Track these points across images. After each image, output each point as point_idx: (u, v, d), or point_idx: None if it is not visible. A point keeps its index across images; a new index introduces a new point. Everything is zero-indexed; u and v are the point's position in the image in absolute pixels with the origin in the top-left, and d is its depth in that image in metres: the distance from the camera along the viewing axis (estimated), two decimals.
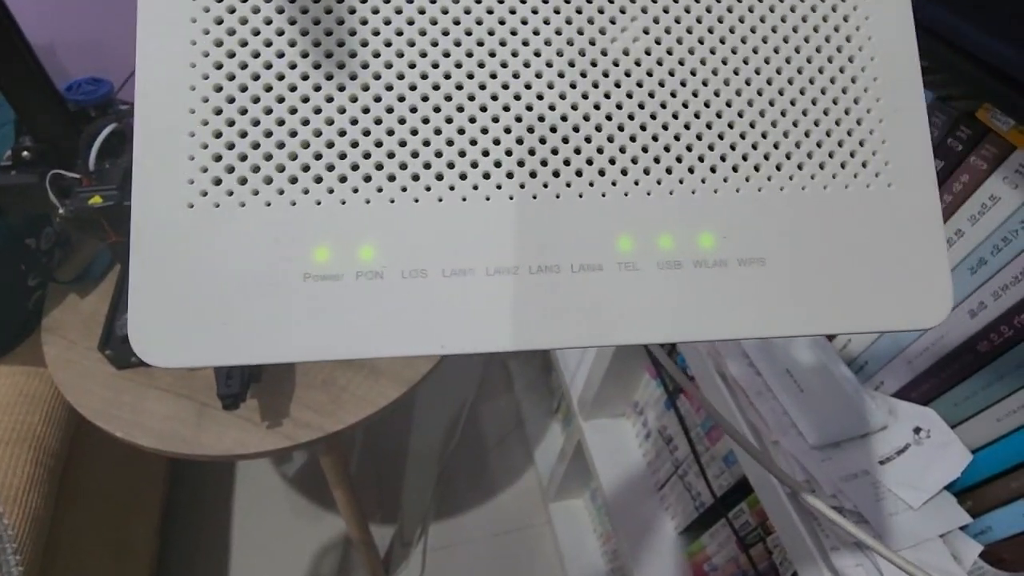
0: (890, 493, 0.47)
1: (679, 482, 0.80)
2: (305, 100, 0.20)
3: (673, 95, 0.21)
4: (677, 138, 0.21)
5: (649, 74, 0.21)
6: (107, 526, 0.79)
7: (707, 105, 0.21)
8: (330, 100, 0.20)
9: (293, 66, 0.20)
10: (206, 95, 0.19)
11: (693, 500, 0.78)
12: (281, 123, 0.19)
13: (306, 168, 0.19)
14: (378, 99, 0.20)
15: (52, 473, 0.67)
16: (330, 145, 0.20)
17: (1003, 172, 0.41)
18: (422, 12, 0.20)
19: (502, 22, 0.20)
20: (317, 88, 0.20)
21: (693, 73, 0.21)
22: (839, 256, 0.21)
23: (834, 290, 0.21)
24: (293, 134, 0.19)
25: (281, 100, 0.20)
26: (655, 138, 0.21)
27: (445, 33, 0.20)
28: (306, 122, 0.20)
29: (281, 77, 0.20)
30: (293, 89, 0.20)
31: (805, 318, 0.20)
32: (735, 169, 0.21)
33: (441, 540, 1.03)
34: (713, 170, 0.21)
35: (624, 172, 0.21)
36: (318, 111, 0.20)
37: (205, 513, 1.00)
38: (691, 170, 0.21)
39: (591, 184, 0.20)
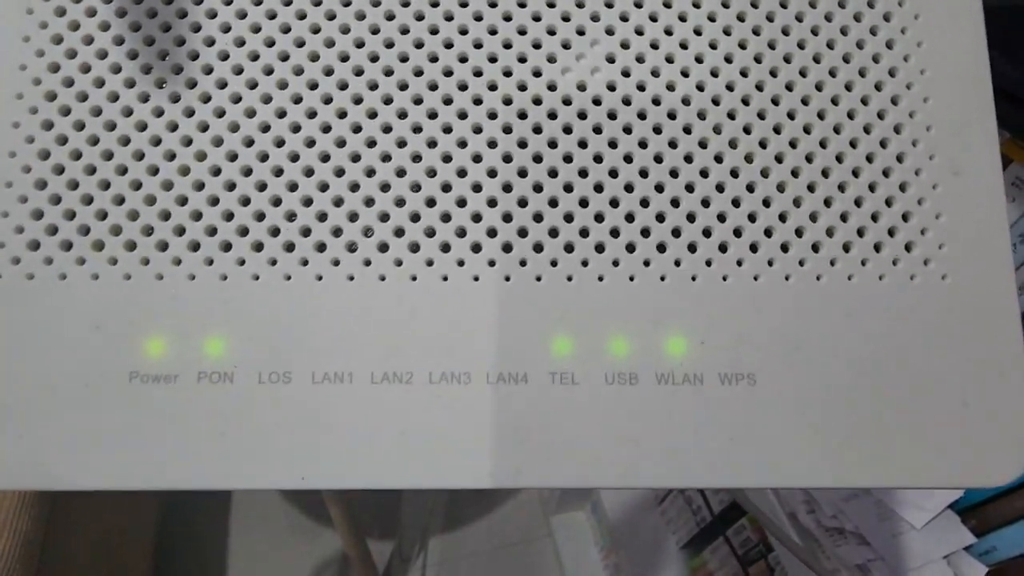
0: (892, 513, 0.45)
1: (679, 496, 0.78)
2: (157, 143, 0.15)
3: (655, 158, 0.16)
4: (645, 203, 0.15)
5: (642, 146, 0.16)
6: (101, 547, 0.79)
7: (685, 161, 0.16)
8: (188, 143, 0.15)
9: (146, 99, 0.15)
10: (32, 133, 0.15)
11: (694, 515, 0.75)
12: (123, 171, 0.15)
13: (148, 231, 0.15)
14: (251, 143, 0.15)
15: (44, 495, 0.66)
16: (182, 202, 0.15)
17: None
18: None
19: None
20: (173, 127, 0.15)
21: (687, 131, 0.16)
22: (864, 376, 0.15)
23: (853, 426, 0.15)
24: (137, 186, 0.15)
25: (127, 142, 0.15)
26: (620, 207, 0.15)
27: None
28: (155, 171, 0.15)
29: (129, 112, 0.15)
30: (143, 128, 0.15)
31: (808, 465, 0.15)
32: (723, 249, 0.15)
33: (441, 555, 0.99)
34: (693, 249, 0.15)
35: (569, 249, 0.15)
36: (171, 157, 0.15)
37: (200, 531, 0.99)
38: (661, 248, 0.15)
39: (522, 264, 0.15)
